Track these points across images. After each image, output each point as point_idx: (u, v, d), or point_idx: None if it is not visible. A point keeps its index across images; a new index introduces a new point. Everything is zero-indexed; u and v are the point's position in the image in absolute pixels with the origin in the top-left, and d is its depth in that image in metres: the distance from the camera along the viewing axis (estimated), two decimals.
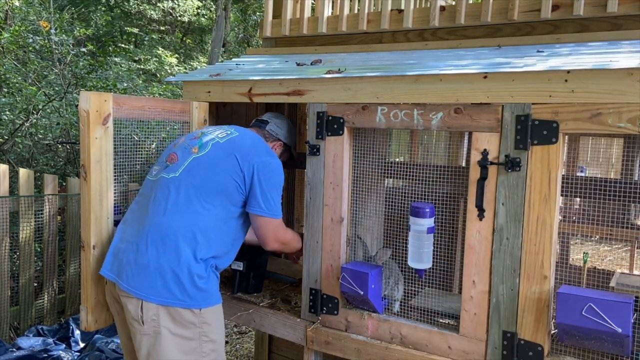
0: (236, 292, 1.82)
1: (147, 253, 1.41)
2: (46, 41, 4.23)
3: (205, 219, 1.44)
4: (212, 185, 1.45)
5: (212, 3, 9.00)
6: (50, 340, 2.65)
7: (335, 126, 1.53)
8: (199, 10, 8.99)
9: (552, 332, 1.31)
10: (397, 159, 1.90)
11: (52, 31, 4.16)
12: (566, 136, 1.28)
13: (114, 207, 1.61)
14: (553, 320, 1.28)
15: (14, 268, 3.00)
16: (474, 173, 1.31)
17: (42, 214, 2.95)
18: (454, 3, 1.77)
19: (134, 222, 1.50)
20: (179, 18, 8.72)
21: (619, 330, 1.12)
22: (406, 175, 1.52)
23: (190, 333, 1.42)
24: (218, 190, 1.46)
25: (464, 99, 1.33)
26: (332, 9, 2.08)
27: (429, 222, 1.41)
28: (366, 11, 1.94)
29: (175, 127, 1.81)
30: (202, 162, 1.49)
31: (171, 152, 1.57)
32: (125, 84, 4.59)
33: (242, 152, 1.50)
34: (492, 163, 1.28)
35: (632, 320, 1.13)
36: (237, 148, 1.51)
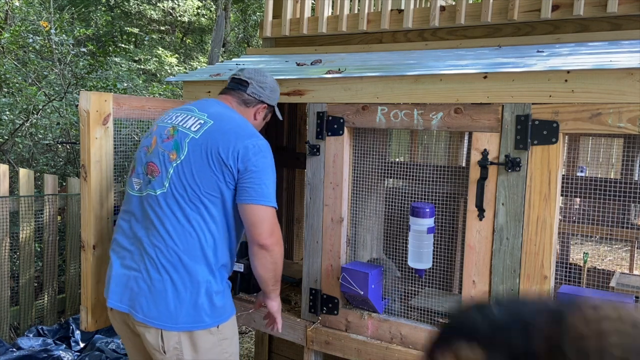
0: (238, 293, 1.81)
1: (161, 279, 1.32)
2: (46, 41, 4.23)
3: (209, 232, 1.34)
4: (204, 193, 1.33)
5: (212, 3, 8.99)
6: (50, 340, 2.65)
7: (335, 126, 1.53)
8: (199, 10, 8.99)
9: None
10: (397, 159, 1.89)
11: (52, 31, 4.16)
12: (566, 136, 1.28)
13: (114, 207, 1.61)
14: None
15: (14, 268, 3.00)
16: (474, 173, 1.31)
17: (42, 214, 2.95)
18: (454, 3, 1.77)
19: (133, 246, 1.38)
20: (179, 18, 8.72)
21: None
22: (406, 175, 1.52)
23: (212, 354, 1.35)
24: (211, 195, 1.33)
25: (464, 99, 1.33)
26: (332, 9, 2.08)
27: (429, 222, 1.41)
28: (366, 11, 1.94)
29: None
30: (185, 169, 1.34)
31: (149, 162, 1.40)
32: (125, 84, 4.59)
33: (222, 142, 1.33)
34: (492, 163, 1.28)
35: None
36: (215, 140, 1.33)
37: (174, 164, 1.35)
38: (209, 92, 1.83)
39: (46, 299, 3.04)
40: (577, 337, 0.37)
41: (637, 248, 2.32)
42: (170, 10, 8.63)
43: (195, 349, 1.33)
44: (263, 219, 1.33)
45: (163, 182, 1.36)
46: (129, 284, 1.36)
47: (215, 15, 8.25)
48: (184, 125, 1.39)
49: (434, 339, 0.44)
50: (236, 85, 1.51)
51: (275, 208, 1.37)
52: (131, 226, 1.40)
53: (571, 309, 0.39)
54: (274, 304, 1.47)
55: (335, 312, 1.56)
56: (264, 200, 1.33)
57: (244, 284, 1.82)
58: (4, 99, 4.07)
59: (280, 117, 1.64)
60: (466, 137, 1.86)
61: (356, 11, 2.05)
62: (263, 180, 1.33)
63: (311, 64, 1.78)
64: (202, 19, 9.13)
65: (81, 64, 4.37)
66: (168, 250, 1.32)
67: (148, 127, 1.71)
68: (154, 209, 1.35)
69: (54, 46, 4.18)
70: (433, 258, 1.46)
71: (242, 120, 1.42)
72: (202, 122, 1.38)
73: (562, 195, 1.29)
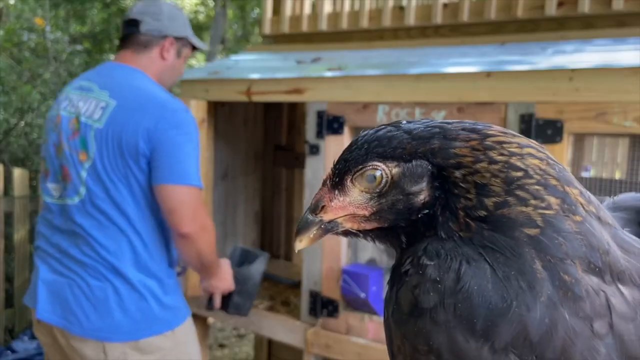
0: (209, 306, 1.43)
1: (102, 287, 1.18)
2: (42, 39, 4.18)
3: (140, 231, 1.20)
4: (124, 192, 1.17)
5: (210, 0, 8.95)
6: None
7: (336, 125, 1.50)
8: (197, 7, 8.94)
9: None
10: None
11: (47, 28, 4.11)
12: (571, 135, 1.25)
13: None
14: None
15: (9, 270, 2.96)
16: None
17: (37, 214, 2.91)
18: (456, 0, 1.74)
19: (60, 254, 1.24)
20: None
21: None
22: None
23: None
24: (132, 192, 1.18)
25: (466, 97, 1.30)
26: (333, 5, 2.05)
27: None
28: (367, 8, 1.91)
29: None
30: (98, 171, 1.17)
31: (62, 166, 1.23)
32: None
33: (129, 126, 1.14)
34: None
35: None
36: (121, 126, 1.15)
37: (86, 166, 1.18)
38: (207, 90, 1.80)
39: None
40: (498, 142, 0.38)
41: None
42: None
43: (144, 356, 1.20)
44: (182, 202, 1.13)
45: (78, 188, 1.19)
46: (61, 292, 1.20)
47: (214, 12, 8.20)
48: (87, 114, 1.20)
49: (342, 162, 0.41)
50: (128, 28, 1.27)
51: (199, 188, 1.17)
52: (54, 235, 1.25)
53: (486, 125, 0.40)
54: (206, 285, 1.35)
55: (336, 314, 1.54)
56: (181, 179, 1.13)
57: (222, 299, 1.44)
58: None
59: (203, 46, 1.42)
60: None
61: (357, 8, 2.02)
62: (178, 156, 1.13)
63: (311, 61, 1.75)
64: (201, 16, 9.08)
65: (77, 62, 4.33)
66: (102, 259, 1.19)
67: None
68: (75, 219, 1.20)
69: (49, 44, 4.13)
70: None
71: (150, 87, 1.21)
72: (104, 104, 1.18)
73: None
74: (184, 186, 1.15)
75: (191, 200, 1.16)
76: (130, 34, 1.27)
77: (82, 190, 1.19)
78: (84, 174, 1.19)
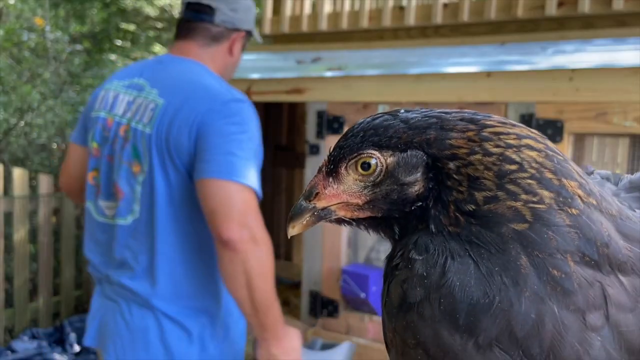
0: None
1: (142, 316, 1.03)
2: (41, 38, 4.18)
3: (188, 268, 1.03)
4: (179, 210, 1.01)
5: None
6: (45, 343, 2.62)
7: (336, 125, 1.50)
8: None
9: None
10: None
11: (47, 28, 4.11)
12: (571, 135, 1.25)
13: None
14: None
15: (9, 270, 2.95)
16: None
17: (37, 214, 2.91)
18: (456, 0, 1.74)
19: (110, 277, 1.09)
20: (176, 15, 8.67)
21: None
22: None
23: None
24: (189, 210, 1.01)
25: (466, 97, 1.30)
26: (333, 5, 2.05)
27: None
28: (367, 8, 1.91)
29: None
30: (152, 185, 1.00)
31: (115, 179, 1.06)
32: None
33: (178, 128, 0.97)
34: None
35: None
36: (170, 128, 0.97)
37: (140, 179, 1.02)
38: None
39: (41, 301, 3.00)
40: (495, 133, 0.37)
41: None
42: (169, 7, 8.58)
43: None
44: (226, 201, 0.89)
45: (131, 206, 1.03)
46: (105, 317, 1.09)
47: None
48: (137, 118, 1.03)
49: (338, 149, 0.41)
50: (197, 15, 1.07)
51: (254, 190, 0.94)
52: (105, 262, 1.11)
53: (486, 116, 0.39)
54: (262, 355, 0.97)
55: (336, 314, 1.54)
56: (228, 173, 0.90)
57: None
58: None
59: (259, 40, 1.25)
60: None
61: (357, 8, 2.02)
62: (225, 147, 0.92)
63: (311, 61, 1.75)
64: None
65: (77, 61, 4.32)
66: (141, 290, 1.04)
67: None
68: (127, 242, 1.04)
69: (49, 44, 4.13)
70: None
71: (206, 80, 1.03)
72: (153, 105, 1.01)
73: None
74: (231, 182, 0.90)
75: (240, 201, 0.91)
76: (199, 21, 1.07)
77: (137, 207, 1.02)
78: (138, 188, 1.01)
